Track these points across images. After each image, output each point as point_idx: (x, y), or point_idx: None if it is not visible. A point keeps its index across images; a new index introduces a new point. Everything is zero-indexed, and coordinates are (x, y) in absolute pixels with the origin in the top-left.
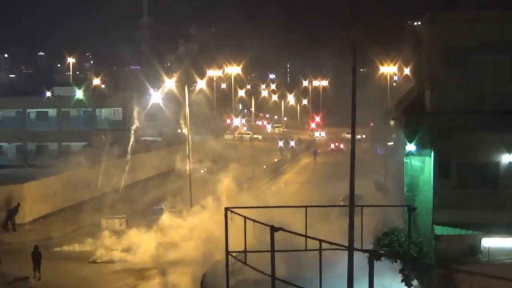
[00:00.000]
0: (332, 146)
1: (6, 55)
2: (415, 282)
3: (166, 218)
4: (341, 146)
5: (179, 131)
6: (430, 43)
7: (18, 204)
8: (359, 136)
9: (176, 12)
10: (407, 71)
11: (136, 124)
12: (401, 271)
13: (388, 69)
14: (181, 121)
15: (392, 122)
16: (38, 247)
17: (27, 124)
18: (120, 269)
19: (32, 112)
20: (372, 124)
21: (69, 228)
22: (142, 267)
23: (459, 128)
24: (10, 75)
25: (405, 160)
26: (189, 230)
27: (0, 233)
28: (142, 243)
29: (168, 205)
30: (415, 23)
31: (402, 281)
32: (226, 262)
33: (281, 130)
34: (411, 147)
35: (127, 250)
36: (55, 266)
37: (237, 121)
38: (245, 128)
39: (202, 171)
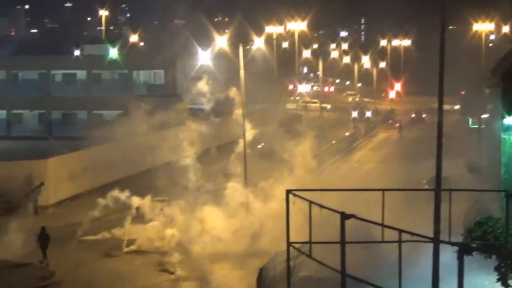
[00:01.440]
0: (413, 115)
1: (26, 7)
2: None
3: (214, 201)
4: (423, 115)
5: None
6: None
7: (42, 183)
8: (448, 107)
9: None
10: (506, 29)
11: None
12: (496, 268)
13: (483, 27)
14: (234, 87)
15: (487, 90)
16: (46, 229)
17: (51, 89)
18: (157, 261)
19: (58, 74)
20: (463, 92)
21: (100, 212)
22: (180, 258)
23: None
24: (32, 30)
25: (503, 135)
26: (241, 216)
27: (19, 217)
28: (182, 231)
29: (218, 185)
30: None
31: (498, 280)
32: (287, 255)
33: (356, 99)
34: (510, 120)
35: (164, 238)
36: (83, 256)
37: (302, 88)
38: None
39: (259, 146)
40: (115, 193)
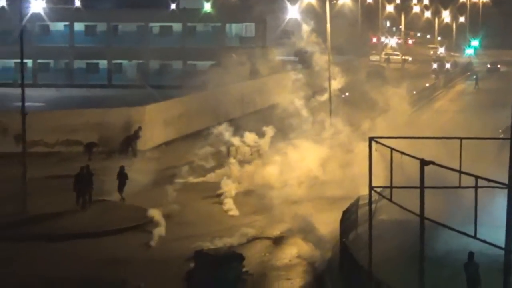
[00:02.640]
0: (489, 65)
1: None
2: None
3: (302, 146)
4: (498, 65)
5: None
6: None
7: (140, 128)
8: None
9: None
10: None
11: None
12: None
13: None
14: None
15: None
16: (124, 168)
17: (149, 40)
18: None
19: (155, 26)
20: None
21: (195, 157)
22: (269, 203)
23: None
24: None
25: None
26: (324, 160)
27: (119, 160)
28: (272, 176)
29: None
30: None
31: None
32: (369, 198)
33: (437, 52)
34: None
35: (254, 183)
36: (178, 197)
37: (386, 41)
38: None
39: (343, 96)
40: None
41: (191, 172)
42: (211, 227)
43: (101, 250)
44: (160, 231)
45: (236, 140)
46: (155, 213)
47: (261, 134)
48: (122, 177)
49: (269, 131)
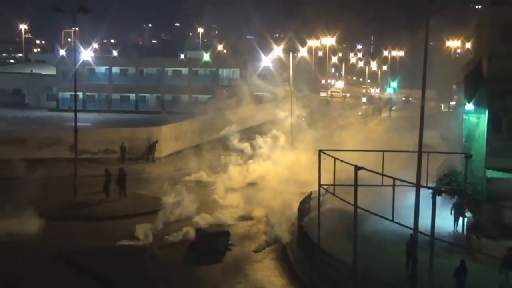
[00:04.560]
0: (403, 99)
1: (150, 25)
2: (468, 214)
3: (274, 153)
4: (410, 98)
5: (284, 88)
6: (491, 21)
7: (156, 141)
8: (427, 96)
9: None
10: (468, 45)
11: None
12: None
13: (453, 43)
14: (286, 81)
15: (454, 86)
16: (124, 169)
17: (164, 80)
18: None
19: (169, 70)
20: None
21: (196, 162)
22: (250, 195)
23: (510, 92)
24: (153, 41)
25: (464, 116)
26: (290, 165)
27: (143, 164)
28: (253, 176)
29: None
30: (476, 6)
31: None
32: (318, 193)
33: (368, 90)
34: (469, 106)
35: (239, 181)
36: (188, 189)
37: (332, 82)
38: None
39: (302, 119)
40: (207, 149)
41: (194, 172)
42: (206, 211)
43: (128, 228)
44: (167, 214)
45: (225, 150)
46: (167, 202)
47: (244, 146)
48: (123, 177)
49: (249, 144)
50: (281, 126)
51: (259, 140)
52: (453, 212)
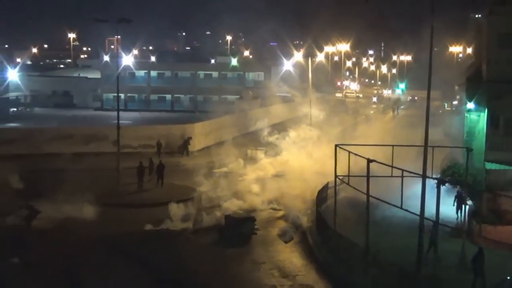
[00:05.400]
0: (410, 97)
1: (184, 33)
2: (469, 202)
3: (296, 148)
4: (415, 98)
5: (303, 90)
6: (489, 29)
7: (190, 138)
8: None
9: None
10: (469, 50)
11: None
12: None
13: (455, 49)
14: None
15: (457, 87)
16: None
17: (197, 82)
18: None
19: (201, 73)
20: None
21: (226, 155)
22: (275, 185)
23: (507, 92)
24: (186, 48)
25: (465, 114)
26: (310, 159)
27: (178, 157)
28: (278, 168)
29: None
30: (476, 15)
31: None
32: (334, 183)
33: (379, 92)
34: (470, 105)
35: (266, 173)
36: (215, 181)
37: (346, 84)
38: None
39: (320, 117)
40: (234, 144)
41: (224, 165)
42: (235, 198)
43: (165, 214)
44: (200, 201)
45: (252, 145)
46: (200, 190)
47: (269, 141)
48: (161, 168)
49: (278, 137)
50: (303, 122)
51: (291, 133)
52: (455, 203)
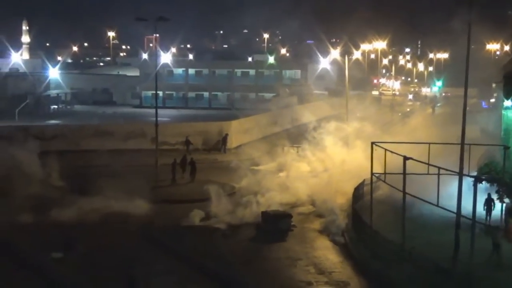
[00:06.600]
0: (443, 94)
1: (221, 32)
2: (506, 200)
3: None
4: (448, 94)
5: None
6: None
7: (227, 135)
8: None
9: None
10: (506, 48)
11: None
12: (497, 191)
13: (492, 46)
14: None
15: (494, 85)
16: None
17: (234, 80)
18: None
19: (238, 71)
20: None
21: (262, 152)
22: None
23: None
24: (223, 46)
25: (503, 112)
26: (347, 156)
27: (215, 154)
28: (312, 166)
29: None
30: None
31: (497, 198)
32: (370, 180)
33: (416, 89)
34: (508, 103)
35: (300, 170)
36: (253, 177)
37: (383, 81)
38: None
39: (357, 114)
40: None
41: (260, 162)
42: (272, 195)
43: (203, 209)
44: (238, 197)
45: (289, 142)
46: (238, 187)
47: (306, 139)
48: (193, 164)
49: (310, 137)
50: (339, 120)
51: (328, 130)
52: (485, 206)
